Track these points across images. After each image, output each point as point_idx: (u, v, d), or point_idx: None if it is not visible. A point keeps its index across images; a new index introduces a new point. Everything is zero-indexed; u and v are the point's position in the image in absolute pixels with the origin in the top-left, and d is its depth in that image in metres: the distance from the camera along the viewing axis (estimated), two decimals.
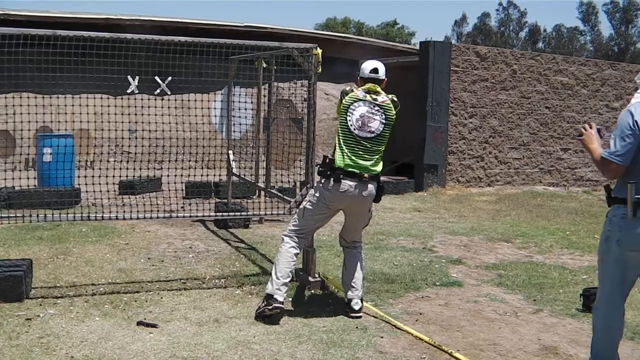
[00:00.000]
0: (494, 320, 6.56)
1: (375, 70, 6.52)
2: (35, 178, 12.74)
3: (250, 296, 7.00)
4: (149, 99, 11.31)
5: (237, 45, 8.06)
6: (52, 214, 7.71)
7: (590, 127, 4.85)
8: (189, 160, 11.61)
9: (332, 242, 9.42)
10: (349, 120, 6.26)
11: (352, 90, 6.43)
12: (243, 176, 10.77)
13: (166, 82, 18.81)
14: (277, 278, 6.28)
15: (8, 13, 18.14)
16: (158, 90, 18.85)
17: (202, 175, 11.39)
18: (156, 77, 18.52)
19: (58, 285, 7.24)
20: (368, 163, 6.27)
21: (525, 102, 17.22)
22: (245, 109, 10.93)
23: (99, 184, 8.85)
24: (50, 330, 5.86)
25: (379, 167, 6.38)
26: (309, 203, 6.47)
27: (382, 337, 5.94)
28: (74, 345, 5.55)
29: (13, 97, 9.23)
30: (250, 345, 5.62)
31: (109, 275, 7.67)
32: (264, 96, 10.79)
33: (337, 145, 6.31)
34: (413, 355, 5.58)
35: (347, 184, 6.20)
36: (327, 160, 6.33)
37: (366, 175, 6.24)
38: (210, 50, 8.04)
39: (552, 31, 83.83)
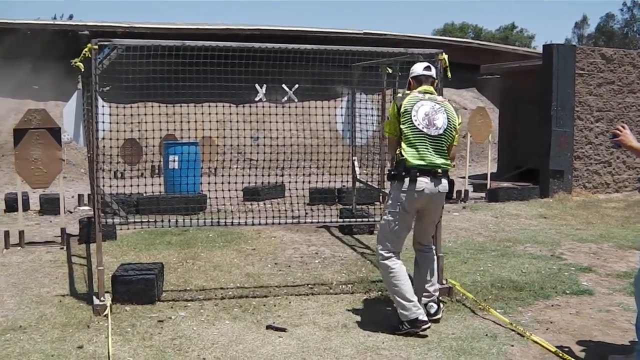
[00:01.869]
0: (628, 330, 6.32)
1: (428, 68, 6.48)
2: (162, 184, 13.13)
3: (377, 302, 7.00)
4: (276, 107, 11.46)
5: (363, 52, 8.10)
6: (183, 220, 7.90)
7: (624, 128, 5.23)
8: (314, 167, 11.70)
9: (457, 248, 9.33)
10: (415, 120, 6.11)
11: (409, 94, 6.33)
12: (369, 182, 10.75)
13: (293, 89, 19.07)
14: (409, 300, 6.07)
15: (133, 26, 18.99)
16: (285, 98, 19.17)
17: (326, 182, 11.47)
18: (283, 85, 18.81)
19: (188, 288, 7.44)
20: (440, 160, 6.15)
21: None
22: (370, 116, 10.92)
23: (227, 190, 8.99)
24: (182, 332, 6.04)
25: (448, 163, 6.26)
26: (389, 215, 6.24)
27: (512, 346, 5.83)
28: (205, 347, 5.70)
29: (145, 106, 9.50)
30: (379, 351, 5.63)
31: (237, 280, 7.83)
32: (388, 102, 10.75)
33: (405, 145, 6.12)
34: None
35: (423, 182, 6.06)
36: (397, 163, 6.20)
37: (439, 170, 6.13)
38: (336, 58, 8.09)
39: None
